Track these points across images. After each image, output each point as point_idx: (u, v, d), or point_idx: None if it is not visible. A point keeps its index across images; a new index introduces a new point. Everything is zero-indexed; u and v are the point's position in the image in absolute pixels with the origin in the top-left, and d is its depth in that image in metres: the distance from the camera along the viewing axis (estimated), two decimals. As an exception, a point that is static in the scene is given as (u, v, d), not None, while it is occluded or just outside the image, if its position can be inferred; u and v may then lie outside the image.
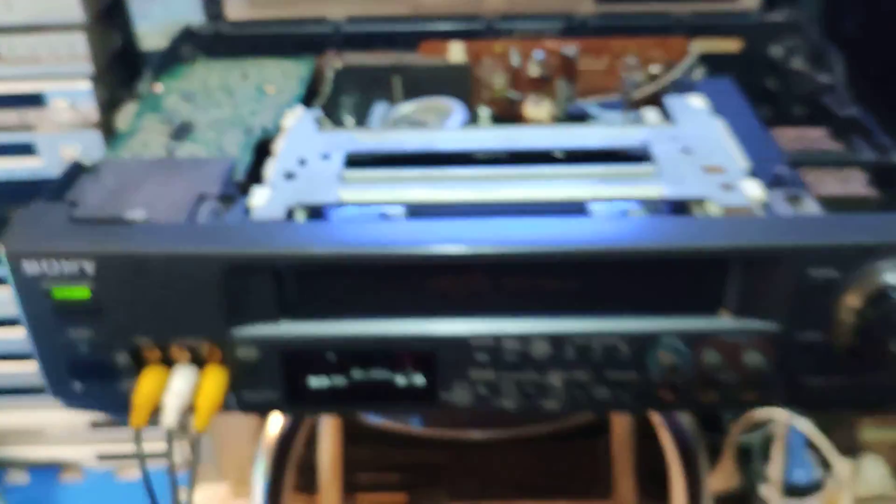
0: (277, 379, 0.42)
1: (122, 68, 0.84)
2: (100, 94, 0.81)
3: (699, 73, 0.60)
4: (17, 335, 0.95)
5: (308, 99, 0.59)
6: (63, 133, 0.82)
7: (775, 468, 0.96)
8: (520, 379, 0.42)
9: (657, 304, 0.41)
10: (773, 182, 0.44)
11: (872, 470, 0.97)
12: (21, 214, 0.41)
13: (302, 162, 0.47)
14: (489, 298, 0.41)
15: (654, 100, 0.60)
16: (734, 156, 0.46)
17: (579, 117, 0.55)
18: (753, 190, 0.42)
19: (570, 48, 0.60)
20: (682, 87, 0.57)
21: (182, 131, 0.51)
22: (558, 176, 0.45)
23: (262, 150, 0.50)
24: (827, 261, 0.38)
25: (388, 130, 0.51)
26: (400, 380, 0.42)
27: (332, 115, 0.63)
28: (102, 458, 1.07)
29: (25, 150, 0.83)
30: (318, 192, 0.44)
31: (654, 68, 0.61)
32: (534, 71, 0.61)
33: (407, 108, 0.58)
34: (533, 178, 0.45)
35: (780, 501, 0.97)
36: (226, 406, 0.43)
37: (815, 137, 0.53)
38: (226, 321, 0.40)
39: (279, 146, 0.49)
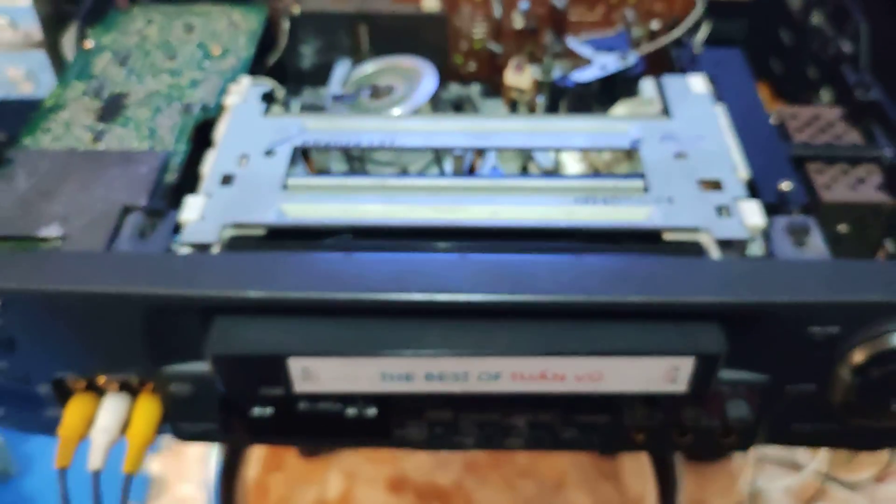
0: (215, 412, 0.38)
1: (65, -20, 0.76)
2: (41, 10, 0.73)
3: (705, 30, 0.53)
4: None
5: (264, 47, 0.52)
6: (6, 53, 0.75)
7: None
8: (480, 419, 0.38)
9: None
10: (777, 200, 0.39)
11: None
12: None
13: (243, 159, 0.41)
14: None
15: (654, 59, 0.53)
16: (734, 162, 0.41)
17: (566, 89, 0.49)
18: (753, 216, 0.37)
19: (559, -2, 0.53)
20: (685, 54, 0.50)
21: (111, 109, 0.44)
22: (533, 189, 0.40)
23: (203, 133, 0.44)
24: (830, 319, 0.34)
25: (341, 116, 0.45)
26: (350, 412, 0.39)
27: (291, 64, 0.56)
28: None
29: (-33, 69, 0.76)
30: (257, 206, 0.38)
31: (656, 24, 0.54)
32: (518, 22, 0.54)
33: (370, 68, 0.52)
34: (504, 192, 0.39)
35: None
36: (161, 432, 0.40)
37: (830, 120, 0.47)
38: (153, 360, 0.36)
39: (219, 134, 0.43)
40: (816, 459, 0.90)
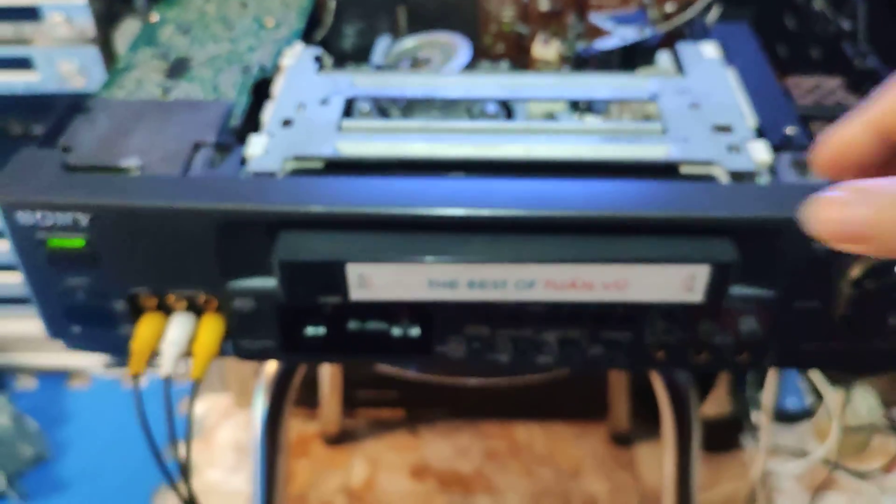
0: (273, 329, 0.42)
1: (118, -19, 0.82)
2: (95, 8, 0.79)
3: (715, 13, 0.58)
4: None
5: (310, 28, 0.57)
6: (60, 48, 0.80)
7: (768, 395, 0.98)
8: (514, 335, 0.42)
9: (655, 269, 0.40)
10: (781, 143, 0.43)
11: (862, 400, 0.98)
12: (15, 161, 0.41)
13: (300, 107, 0.45)
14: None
15: (668, 38, 0.58)
16: (743, 112, 0.45)
17: (589, 58, 0.53)
18: (760, 153, 0.41)
19: (581, -18, 0.58)
20: (697, 28, 0.55)
21: (177, 69, 0.49)
22: (563, 131, 0.44)
23: (260, 91, 0.48)
24: (830, 234, 0.38)
25: (388, 73, 0.49)
26: (396, 331, 0.42)
27: (334, 44, 0.61)
28: (109, 366, 1.09)
29: (22, 63, 0.82)
30: (315, 143, 0.43)
31: (670, 6, 0.59)
32: (544, 5, 0.59)
33: (410, 42, 0.57)
34: (537, 133, 0.44)
35: (771, 427, 0.99)
36: (222, 352, 0.44)
37: (831, 88, 0.52)
38: (222, 274, 0.40)
39: (277, 88, 0.47)
40: (824, 447, 0.93)
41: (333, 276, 0.38)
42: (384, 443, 1.01)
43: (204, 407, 1.06)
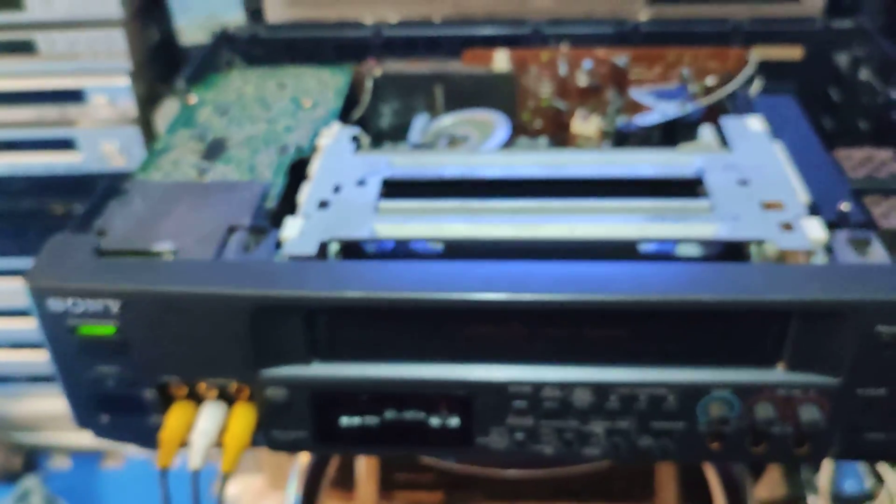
0: (307, 419, 0.41)
1: (160, 63, 0.83)
2: (138, 90, 0.80)
3: (758, 86, 0.57)
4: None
5: (347, 107, 0.57)
6: (102, 129, 0.82)
7: (825, 478, 0.93)
8: (560, 426, 0.40)
9: (708, 355, 0.38)
10: (837, 219, 0.41)
11: (926, 483, 0.93)
12: (48, 246, 0.40)
13: (337, 189, 0.45)
14: (529, 344, 0.39)
15: (710, 113, 0.57)
16: (795, 188, 0.43)
17: (629, 134, 0.52)
18: (815, 231, 0.40)
19: (620, 57, 0.57)
20: (740, 101, 0.53)
21: (214, 150, 0.49)
22: (606, 210, 0.42)
23: (297, 171, 0.48)
24: (896, 318, 0.35)
25: (425, 153, 0.49)
26: (434, 422, 0.41)
27: (371, 123, 0.61)
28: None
29: (66, 144, 0.83)
30: (352, 225, 0.42)
31: (710, 80, 0.58)
32: (582, 80, 0.58)
33: (448, 120, 0.56)
34: (579, 212, 0.42)
35: (829, 512, 0.94)
36: (254, 443, 0.42)
37: (883, 160, 0.50)
38: (254, 362, 0.39)
39: (314, 169, 0.47)
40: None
41: None
42: (419, 522, 0.97)
43: (237, 488, 1.04)
